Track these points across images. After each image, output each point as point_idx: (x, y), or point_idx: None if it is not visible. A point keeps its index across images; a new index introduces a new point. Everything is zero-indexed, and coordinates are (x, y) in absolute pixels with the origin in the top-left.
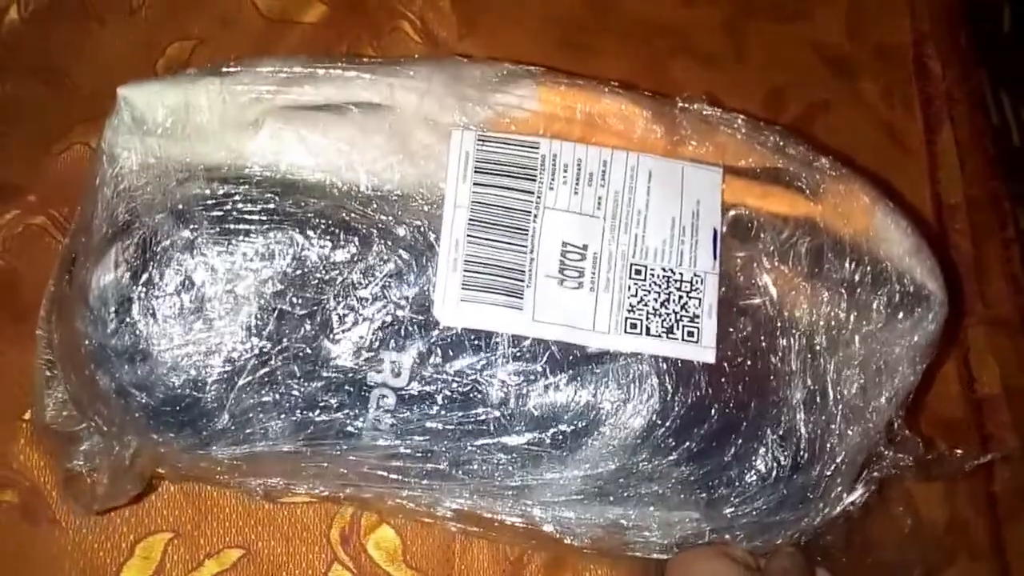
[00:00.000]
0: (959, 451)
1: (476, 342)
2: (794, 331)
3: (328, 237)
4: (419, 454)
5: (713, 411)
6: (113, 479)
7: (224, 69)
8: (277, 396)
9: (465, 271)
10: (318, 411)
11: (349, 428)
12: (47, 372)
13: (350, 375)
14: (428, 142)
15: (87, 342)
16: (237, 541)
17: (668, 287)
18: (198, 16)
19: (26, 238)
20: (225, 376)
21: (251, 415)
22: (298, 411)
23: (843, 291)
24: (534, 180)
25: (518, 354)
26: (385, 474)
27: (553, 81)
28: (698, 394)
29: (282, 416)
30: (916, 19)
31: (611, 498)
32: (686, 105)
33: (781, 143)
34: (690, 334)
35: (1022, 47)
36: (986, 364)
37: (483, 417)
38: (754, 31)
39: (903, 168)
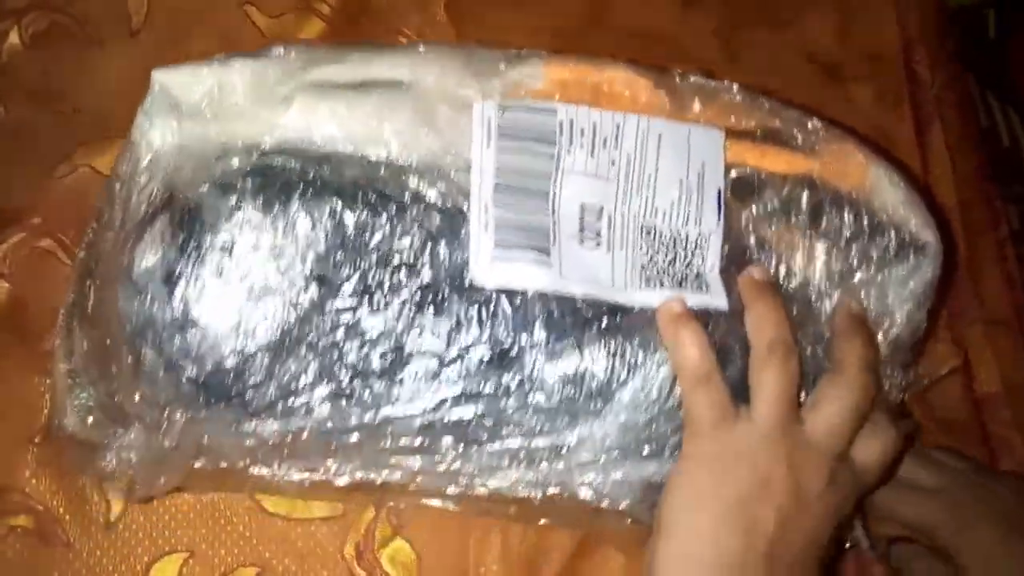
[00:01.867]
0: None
1: (508, 303)
2: (796, 282)
3: (365, 205)
4: (457, 420)
5: (733, 354)
6: (153, 467)
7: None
8: (319, 365)
9: (496, 231)
10: (359, 378)
11: (390, 393)
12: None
13: (390, 341)
14: (451, 114)
15: (132, 320)
16: (252, 559)
17: (676, 246)
18: (198, 36)
19: (32, 261)
20: (271, 344)
21: (294, 384)
22: (340, 379)
23: (842, 242)
24: (553, 144)
25: (549, 312)
26: (421, 443)
27: (560, 58)
28: (716, 338)
29: (324, 384)
30: (904, 25)
31: (644, 452)
32: (685, 76)
33: (776, 107)
34: (699, 288)
35: (1007, 52)
36: (985, 363)
37: (519, 376)
38: (747, 39)
39: None
